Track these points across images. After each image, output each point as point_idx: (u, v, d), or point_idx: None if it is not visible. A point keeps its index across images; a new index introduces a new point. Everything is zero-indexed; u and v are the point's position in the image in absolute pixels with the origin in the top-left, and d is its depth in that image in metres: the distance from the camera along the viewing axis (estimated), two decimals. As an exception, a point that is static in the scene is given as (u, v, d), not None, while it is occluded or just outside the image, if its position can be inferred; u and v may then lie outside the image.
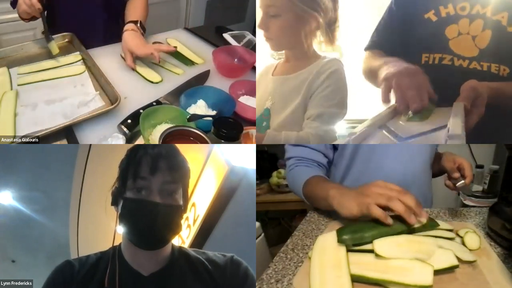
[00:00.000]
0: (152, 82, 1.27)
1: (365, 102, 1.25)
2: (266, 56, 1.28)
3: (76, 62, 1.29)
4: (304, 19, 1.03)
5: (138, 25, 1.33)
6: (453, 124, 0.75)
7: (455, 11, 0.92)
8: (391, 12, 1.08)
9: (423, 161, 1.04)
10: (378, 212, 0.69)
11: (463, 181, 0.93)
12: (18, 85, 1.17)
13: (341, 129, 1.06)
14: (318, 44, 1.09)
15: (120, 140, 0.97)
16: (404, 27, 1.01)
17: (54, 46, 1.30)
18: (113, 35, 1.36)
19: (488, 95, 0.80)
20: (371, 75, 1.03)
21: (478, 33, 0.90)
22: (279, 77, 1.12)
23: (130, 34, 1.29)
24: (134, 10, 1.39)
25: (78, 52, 1.32)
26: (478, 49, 0.90)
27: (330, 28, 1.08)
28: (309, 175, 0.97)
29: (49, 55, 1.31)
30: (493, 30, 0.89)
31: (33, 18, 1.31)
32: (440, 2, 0.94)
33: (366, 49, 1.14)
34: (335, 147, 1.05)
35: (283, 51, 1.14)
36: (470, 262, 0.63)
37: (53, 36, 1.33)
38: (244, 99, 1.21)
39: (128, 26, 1.31)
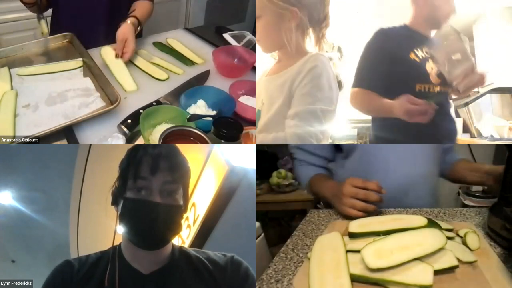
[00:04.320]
0: (159, 79, 1.29)
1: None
2: (266, 56, 1.28)
3: (76, 68, 1.27)
4: (284, 17, 1.02)
5: (137, 22, 1.37)
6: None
7: (423, 53, 1.16)
8: (375, 54, 1.17)
9: (427, 162, 1.06)
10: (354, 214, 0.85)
11: None
12: (18, 75, 1.17)
13: (347, 129, 1.06)
14: (310, 43, 1.08)
15: (120, 140, 0.97)
16: (393, 69, 1.14)
17: (43, 26, 1.31)
18: (114, 35, 1.36)
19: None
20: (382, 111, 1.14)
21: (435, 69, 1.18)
22: (268, 77, 1.12)
23: (129, 27, 1.34)
24: (140, 8, 1.44)
25: (80, 59, 1.30)
26: (439, 80, 1.16)
27: (318, 27, 1.06)
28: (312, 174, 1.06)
29: (50, 56, 1.31)
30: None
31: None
32: (414, 46, 1.17)
33: (355, 87, 1.18)
34: (339, 148, 1.05)
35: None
36: (470, 262, 0.63)
37: (55, 36, 1.34)
38: (244, 99, 1.21)
39: (130, 20, 1.35)
